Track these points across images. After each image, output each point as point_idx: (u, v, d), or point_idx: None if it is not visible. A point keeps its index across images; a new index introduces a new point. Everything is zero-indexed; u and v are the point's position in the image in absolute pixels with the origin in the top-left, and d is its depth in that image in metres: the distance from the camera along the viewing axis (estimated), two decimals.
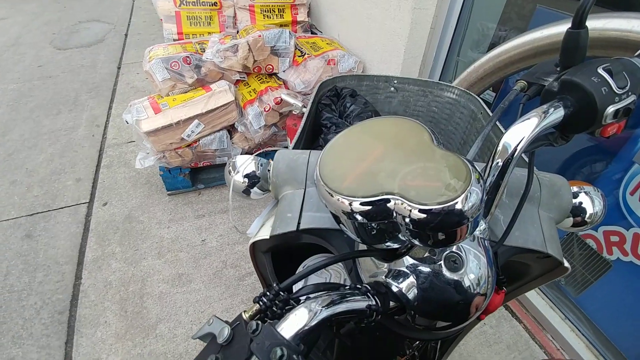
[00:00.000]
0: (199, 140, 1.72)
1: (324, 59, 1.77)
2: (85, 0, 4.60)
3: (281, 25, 2.11)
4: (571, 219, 0.53)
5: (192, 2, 2.06)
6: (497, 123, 0.68)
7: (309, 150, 0.55)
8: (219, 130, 1.75)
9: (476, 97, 0.79)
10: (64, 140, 2.25)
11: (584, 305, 1.26)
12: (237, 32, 2.10)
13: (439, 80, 1.61)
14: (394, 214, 0.29)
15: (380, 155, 0.34)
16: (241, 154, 0.57)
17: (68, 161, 2.09)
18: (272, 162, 0.55)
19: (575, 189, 0.53)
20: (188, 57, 1.72)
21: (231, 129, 1.84)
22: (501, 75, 1.04)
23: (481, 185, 0.28)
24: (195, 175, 1.93)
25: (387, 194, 0.30)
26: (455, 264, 0.38)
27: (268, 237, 0.50)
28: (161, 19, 2.10)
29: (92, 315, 1.36)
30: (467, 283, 0.38)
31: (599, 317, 1.22)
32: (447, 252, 0.38)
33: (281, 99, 1.65)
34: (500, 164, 0.37)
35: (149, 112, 1.60)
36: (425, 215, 0.27)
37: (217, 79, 1.79)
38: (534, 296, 1.37)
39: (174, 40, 2.06)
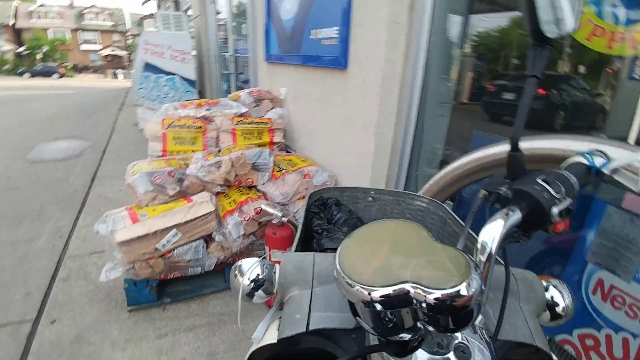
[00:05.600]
0: (174, 250, 1.68)
1: (300, 174, 1.96)
2: (67, 121, 4.88)
3: (259, 145, 2.36)
4: (548, 313, 0.56)
5: (179, 126, 2.30)
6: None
7: (312, 253, 0.60)
8: (195, 240, 1.74)
9: (442, 204, 0.93)
10: (21, 251, 2.09)
11: None
12: (219, 150, 2.31)
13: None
14: (413, 300, 0.34)
15: (389, 251, 0.40)
16: (244, 259, 0.60)
17: (22, 273, 1.91)
18: (277, 265, 0.59)
19: (544, 283, 0.58)
20: (172, 171, 1.82)
21: (207, 239, 1.83)
22: (458, 187, 1.22)
23: (479, 273, 0.35)
24: (162, 288, 1.80)
25: (403, 282, 0.35)
26: (464, 353, 0.40)
27: (276, 340, 0.50)
28: (147, 139, 2.28)
29: None
30: None
31: None
32: (455, 342, 0.41)
33: (261, 209, 1.73)
34: (483, 259, 0.45)
35: (127, 222, 1.59)
36: (438, 300, 0.33)
37: (199, 191, 1.87)
38: None
39: (158, 157, 2.20)
